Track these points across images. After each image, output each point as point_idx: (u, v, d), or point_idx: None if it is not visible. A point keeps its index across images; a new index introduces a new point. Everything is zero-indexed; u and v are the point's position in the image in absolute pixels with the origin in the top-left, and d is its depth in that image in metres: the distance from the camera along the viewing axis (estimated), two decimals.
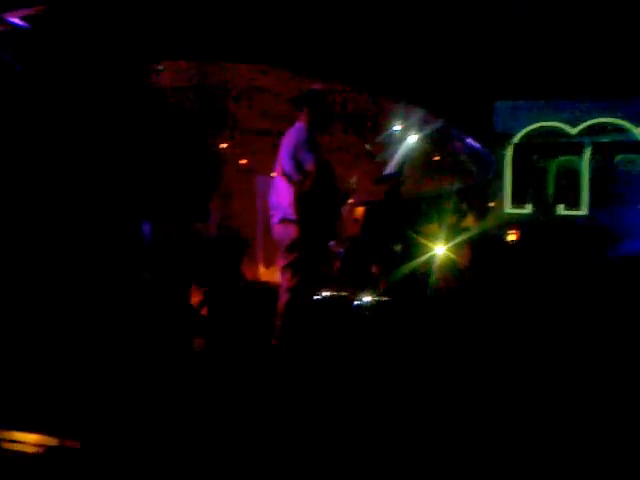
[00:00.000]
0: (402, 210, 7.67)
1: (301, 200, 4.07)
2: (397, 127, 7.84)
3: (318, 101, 4.37)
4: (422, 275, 6.62)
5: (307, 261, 4.16)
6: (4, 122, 5.36)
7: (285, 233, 4.15)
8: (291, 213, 4.11)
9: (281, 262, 4.24)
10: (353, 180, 5.23)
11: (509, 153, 10.00)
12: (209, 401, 3.37)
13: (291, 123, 4.47)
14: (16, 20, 5.45)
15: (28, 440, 2.64)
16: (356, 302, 5.81)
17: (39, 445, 2.62)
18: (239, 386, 3.74)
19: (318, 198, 4.11)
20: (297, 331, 4.16)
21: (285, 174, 4.16)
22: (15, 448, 2.62)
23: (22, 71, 5.51)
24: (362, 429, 2.91)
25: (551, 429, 3.00)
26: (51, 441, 2.64)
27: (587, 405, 3.41)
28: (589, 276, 6.94)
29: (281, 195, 4.18)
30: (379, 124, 7.86)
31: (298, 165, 4.09)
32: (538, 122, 9.95)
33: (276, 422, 2.99)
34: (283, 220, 4.16)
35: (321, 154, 4.23)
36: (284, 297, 4.16)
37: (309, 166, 4.07)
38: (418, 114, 7.70)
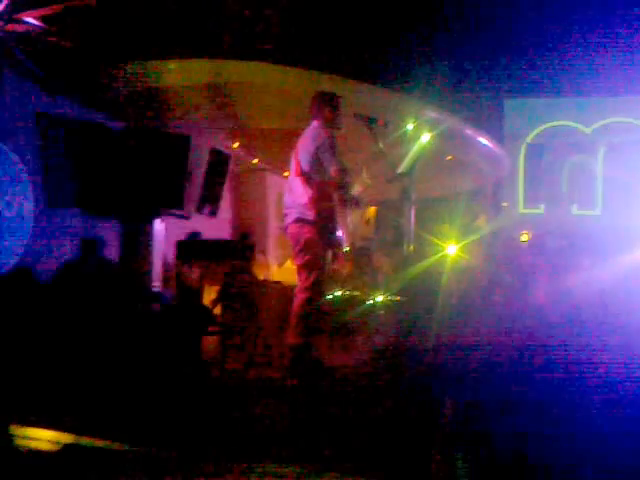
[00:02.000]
0: (414, 210, 7.62)
1: (320, 202, 4.08)
2: (409, 126, 7.80)
3: (335, 101, 4.37)
4: (434, 275, 6.59)
5: (322, 261, 4.16)
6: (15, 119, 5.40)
7: (300, 233, 4.15)
8: (308, 213, 4.11)
9: (296, 262, 4.24)
10: (365, 176, 5.19)
11: (522, 152, 9.92)
12: (222, 400, 3.37)
13: (301, 121, 4.48)
14: (31, 20, 5.49)
15: (43, 437, 2.65)
16: (368, 302, 5.79)
17: (54, 442, 2.63)
18: (252, 385, 3.74)
19: (336, 201, 4.12)
20: (311, 330, 4.16)
21: (304, 174, 4.15)
22: (30, 445, 2.63)
23: (36, 70, 5.55)
24: (371, 429, 2.90)
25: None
26: (66, 438, 2.65)
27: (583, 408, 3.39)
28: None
29: (297, 195, 4.18)
30: (391, 123, 7.81)
31: (320, 167, 4.10)
32: (551, 121, 9.87)
33: (288, 421, 2.99)
34: (298, 220, 4.16)
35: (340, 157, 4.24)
36: (300, 296, 4.16)
37: (333, 170, 4.08)
38: (431, 113, 7.67)
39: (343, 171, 4.18)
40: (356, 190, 4.61)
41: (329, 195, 4.10)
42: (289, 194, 4.29)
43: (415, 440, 2.78)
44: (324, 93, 4.44)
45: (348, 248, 4.50)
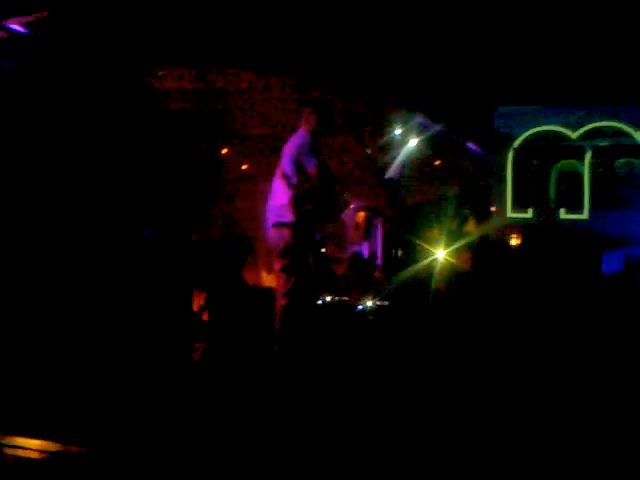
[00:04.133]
0: (403, 214, 7.66)
1: (297, 203, 4.05)
2: (398, 131, 7.85)
3: (325, 108, 4.37)
4: (423, 279, 6.62)
5: (301, 265, 4.13)
6: (5, 127, 5.37)
7: (279, 237, 4.13)
8: (285, 215, 4.08)
9: (276, 266, 4.21)
10: (348, 194, 5.23)
11: (510, 157, 9.99)
12: (209, 406, 3.35)
13: (290, 127, 4.49)
14: (16, 26, 5.46)
15: (31, 446, 2.62)
16: (359, 307, 5.80)
17: (42, 451, 2.60)
18: (240, 391, 3.72)
19: (314, 202, 4.09)
20: (296, 335, 4.14)
21: (284, 176, 4.15)
22: (18, 454, 2.60)
23: (22, 77, 5.52)
24: (362, 433, 2.90)
25: (545, 432, 3.00)
26: (54, 447, 2.62)
27: (579, 407, 3.42)
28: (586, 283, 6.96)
29: (277, 197, 4.17)
30: (380, 128, 7.86)
31: (299, 168, 4.08)
32: (538, 126, 9.95)
33: (276, 427, 2.98)
34: (277, 224, 4.14)
35: (322, 160, 4.22)
36: (281, 301, 4.14)
37: (311, 169, 4.05)
38: (419, 118, 7.71)
39: (323, 171, 4.15)
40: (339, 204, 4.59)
41: (308, 197, 4.07)
42: (270, 197, 4.28)
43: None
44: (313, 99, 4.45)
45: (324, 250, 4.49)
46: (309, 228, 4.14)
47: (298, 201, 4.04)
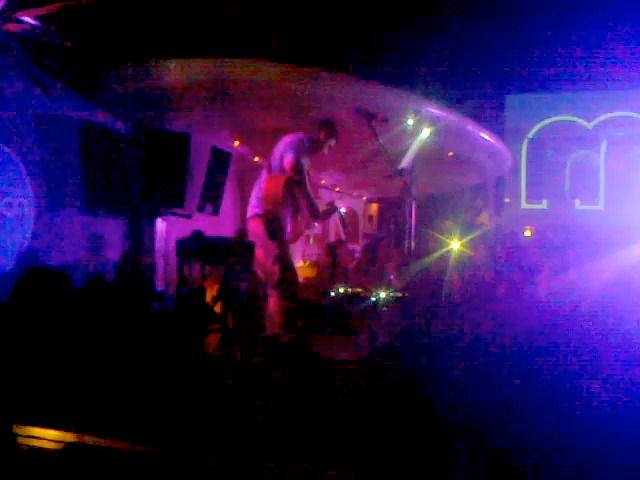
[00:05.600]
0: (417, 206, 7.58)
1: (270, 195, 4.08)
2: (410, 121, 7.76)
3: (332, 130, 4.46)
4: (437, 271, 6.58)
5: (283, 255, 4.15)
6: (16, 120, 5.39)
7: (257, 229, 4.17)
8: (261, 207, 4.12)
9: (259, 259, 4.24)
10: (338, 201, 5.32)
11: (524, 148, 9.89)
12: (221, 399, 3.36)
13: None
14: (29, 19, 5.46)
15: (46, 436, 2.64)
16: (372, 298, 5.78)
17: (57, 441, 2.62)
18: (251, 384, 3.73)
19: (287, 198, 4.12)
20: (295, 324, 4.18)
21: (268, 169, 4.21)
22: (33, 444, 2.62)
23: (35, 69, 5.53)
24: (369, 428, 2.89)
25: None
26: (69, 437, 2.64)
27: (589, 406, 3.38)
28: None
29: (258, 189, 4.22)
30: (391, 118, 7.77)
31: (281, 160, 4.15)
32: (552, 116, 9.85)
33: (285, 420, 2.97)
34: (255, 215, 4.18)
35: (301, 163, 4.26)
36: (272, 294, 4.17)
37: (287, 163, 4.11)
38: (431, 108, 7.63)
39: (299, 168, 4.18)
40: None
41: (286, 190, 4.09)
42: (253, 190, 4.34)
43: (411, 437, 2.75)
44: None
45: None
46: (284, 219, 4.17)
47: (271, 193, 4.08)
